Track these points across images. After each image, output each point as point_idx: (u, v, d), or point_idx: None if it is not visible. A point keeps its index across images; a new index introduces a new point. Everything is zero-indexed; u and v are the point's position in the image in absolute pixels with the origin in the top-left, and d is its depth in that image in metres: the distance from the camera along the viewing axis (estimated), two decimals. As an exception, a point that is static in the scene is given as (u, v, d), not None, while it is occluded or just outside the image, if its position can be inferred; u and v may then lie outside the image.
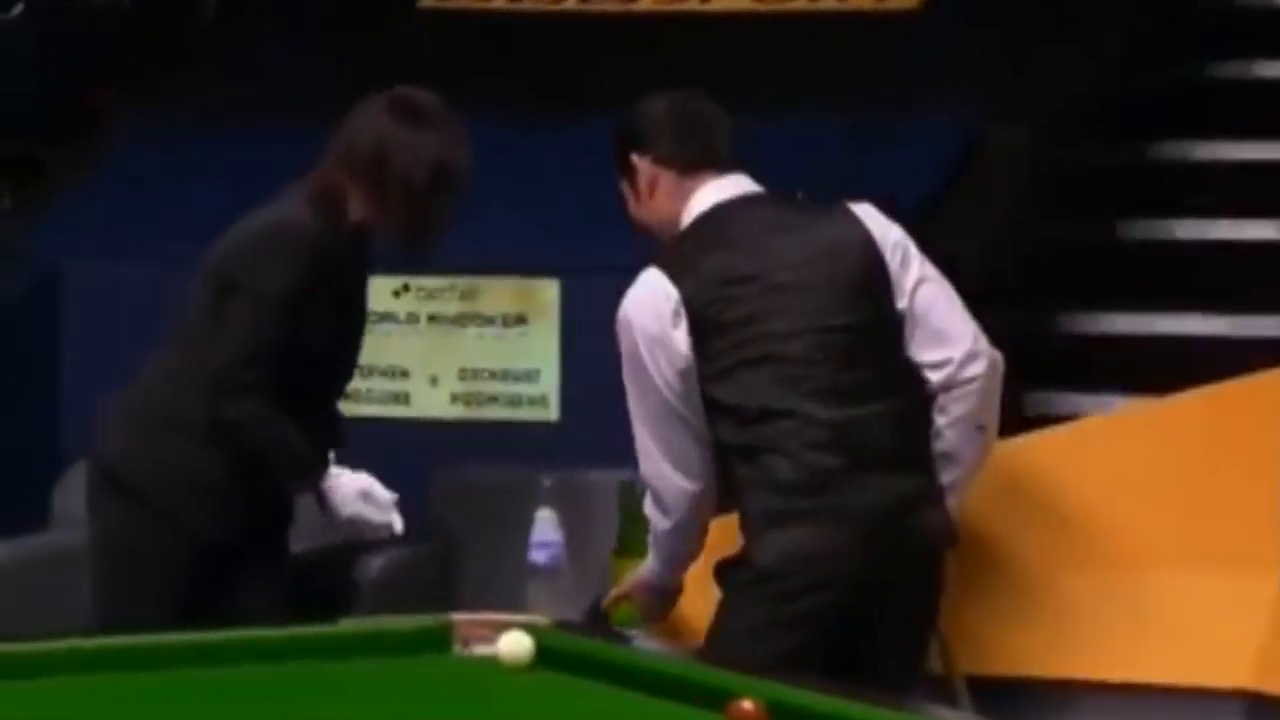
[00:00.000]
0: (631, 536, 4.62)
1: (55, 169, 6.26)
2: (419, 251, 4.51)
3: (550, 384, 6.21)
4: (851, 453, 4.10)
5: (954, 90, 6.10)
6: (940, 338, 4.18)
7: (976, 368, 4.19)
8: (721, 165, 4.32)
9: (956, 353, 4.17)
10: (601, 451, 5.36)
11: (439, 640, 3.62)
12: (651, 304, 4.21)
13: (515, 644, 3.51)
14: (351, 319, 4.52)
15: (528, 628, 3.57)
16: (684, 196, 4.29)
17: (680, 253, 4.26)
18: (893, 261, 4.21)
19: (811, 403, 4.11)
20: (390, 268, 5.74)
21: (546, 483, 4.68)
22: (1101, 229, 6.55)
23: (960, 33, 6.23)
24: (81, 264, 6.33)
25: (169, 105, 6.65)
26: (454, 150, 4.43)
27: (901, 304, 4.19)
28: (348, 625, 3.73)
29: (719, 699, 3.18)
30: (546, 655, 3.50)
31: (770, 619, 4.07)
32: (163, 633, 3.74)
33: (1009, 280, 6.21)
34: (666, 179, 4.31)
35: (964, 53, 6.18)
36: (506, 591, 4.81)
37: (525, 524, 4.62)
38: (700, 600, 4.30)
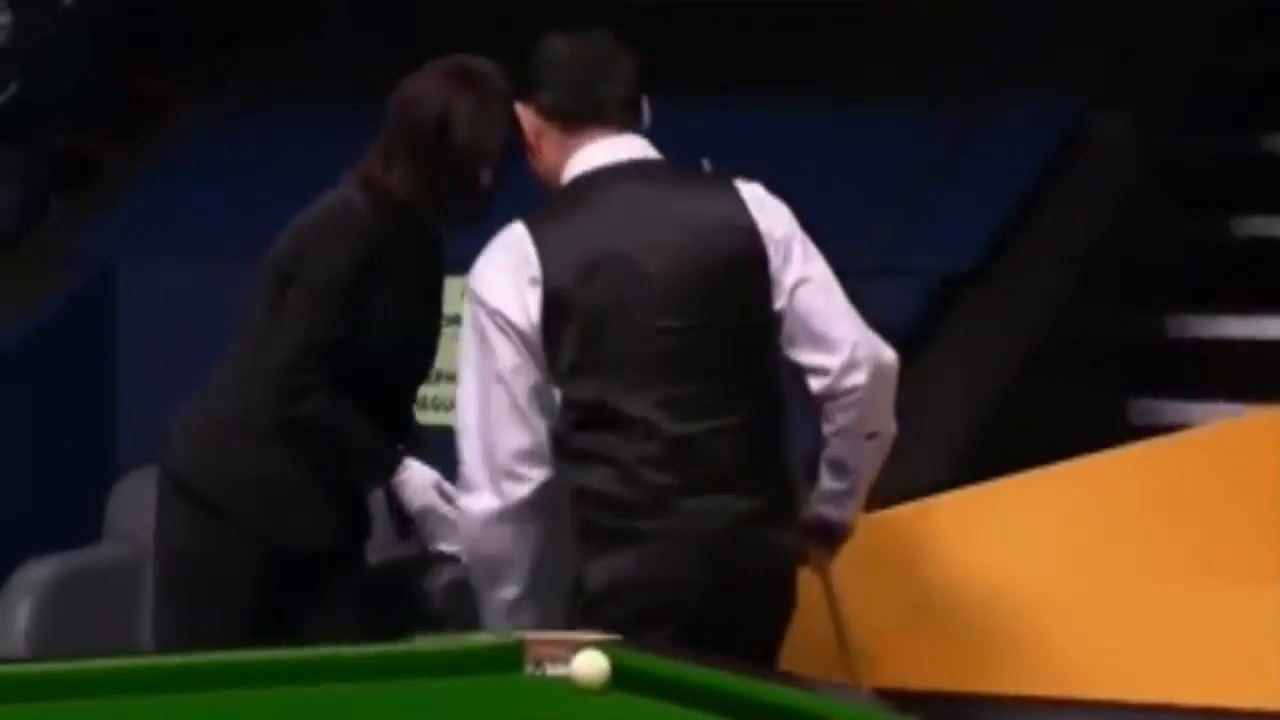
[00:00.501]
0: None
1: (109, 164, 6.24)
2: (469, 223, 4.36)
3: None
4: (689, 471, 3.94)
5: (1054, 79, 6.04)
6: (820, 343, 4.03)
7: (856, 378, 4.04)
8: (613, 123, 4.07)
9: (835, 362, 4.03)
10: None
11: (511, 659, 3.58)
12: (507, 265, 4.00)
13: (590, 664, 3.47)
14: (421, 313, 4.43)
15: (602, 647, 3.51)
16: (567, 154, 4.06)
17: (547, 217, 4.04)
18: (775, 257, 4.02)
19: (657, 413, 3.94)
20: (461, 268, 5.71)
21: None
22: (1212, 225, 6.46)
23: (1060, 20, 6.16)
24: (136, 264, 6.33)
25: (229, 97, 6.65)
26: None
27: (780, 304, 4.02)
28: (419, 643, 3.69)
29: (805, 722, 3.13)
30: (621, 676, 3.46)
31: None
32: (230, 650, 3.72)
33: (1112, 280, 6.13)
34: (551, 132, 4.07)
35: (1063, 40, 6.11)
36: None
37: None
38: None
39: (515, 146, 4.23)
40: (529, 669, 3.56)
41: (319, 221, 4.32)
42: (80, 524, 5.59)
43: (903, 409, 5.63)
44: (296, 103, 6.57)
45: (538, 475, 3.99)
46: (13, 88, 6.16)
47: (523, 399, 3.97)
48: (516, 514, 4.00)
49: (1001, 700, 4.32)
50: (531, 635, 3.62)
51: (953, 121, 5.69)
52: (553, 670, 3.53)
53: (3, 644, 5.19)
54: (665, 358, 3.97)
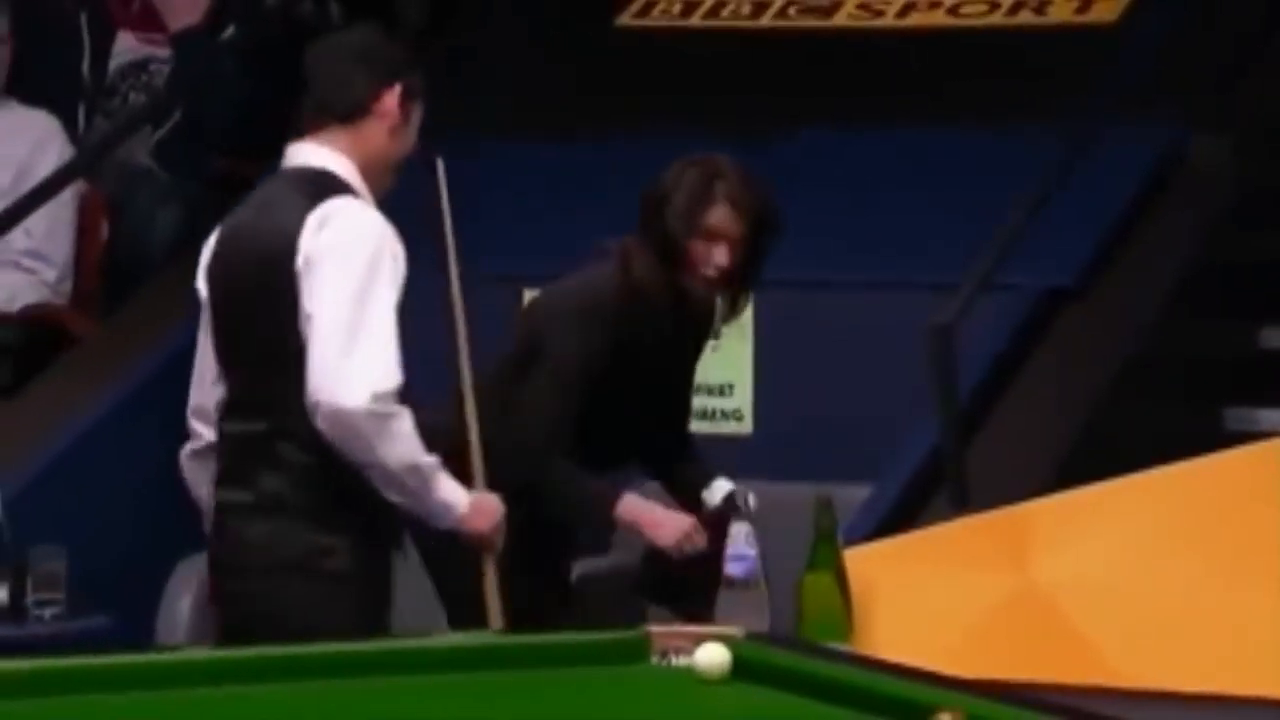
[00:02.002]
0: (822, 551, 4.58)
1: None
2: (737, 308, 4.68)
3: (744, 398, 6.16)
4: (220, 462, 4.17)
5: (1154, 103, 5.99)
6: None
7: (319, 420, 4.05)
8: (306, 128, 4.17)
9: (308, 399, 4.05)
10: (795, 465, 5.31)
11: (637, 651, 3.60)
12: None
13: (712, 655, 3.48)
14: (669, 372, 4.70)
15: (723, 639, 3.52)
16: None
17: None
18: (305, 280, 4.06)
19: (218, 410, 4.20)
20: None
21: (742, 496, 4.65)
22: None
23: (1160, 46, 6.12)
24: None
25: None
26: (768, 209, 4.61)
27: (301, 327, 4.06)
28: (548, 636, 3.72)
29: (918, 713, 3.13)
30: (742, 667, 3.47)
31: None
32: (369, 640, 3.75)
33: (1208, 295, 6.08)
34: None
35: (1164, 65, 6.07)
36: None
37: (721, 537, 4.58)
38: (890, 613, 4.25)
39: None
40: (654, 660, 3.58)
41: (570, 302, 4.58)
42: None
43: (1006, 416, 5.65)
44: (433, 123, 6.59)
45: None
46: (176, 116, 6.24)
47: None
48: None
49: (1094, 691, 4.30)
50: (657, 628, 3.64)
51: (1058, 145, 5.67)
52: (676, 661, 3.55)
53: (166, 634, 5.25)
54: (219, 358, 4.19)
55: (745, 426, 6.14)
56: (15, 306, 6.16)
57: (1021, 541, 4.69)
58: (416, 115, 4.26)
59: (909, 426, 5.45)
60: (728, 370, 6.22)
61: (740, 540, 4.59)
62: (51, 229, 6.15)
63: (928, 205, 6.03)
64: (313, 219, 4.06)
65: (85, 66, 6.52)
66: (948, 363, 5.22)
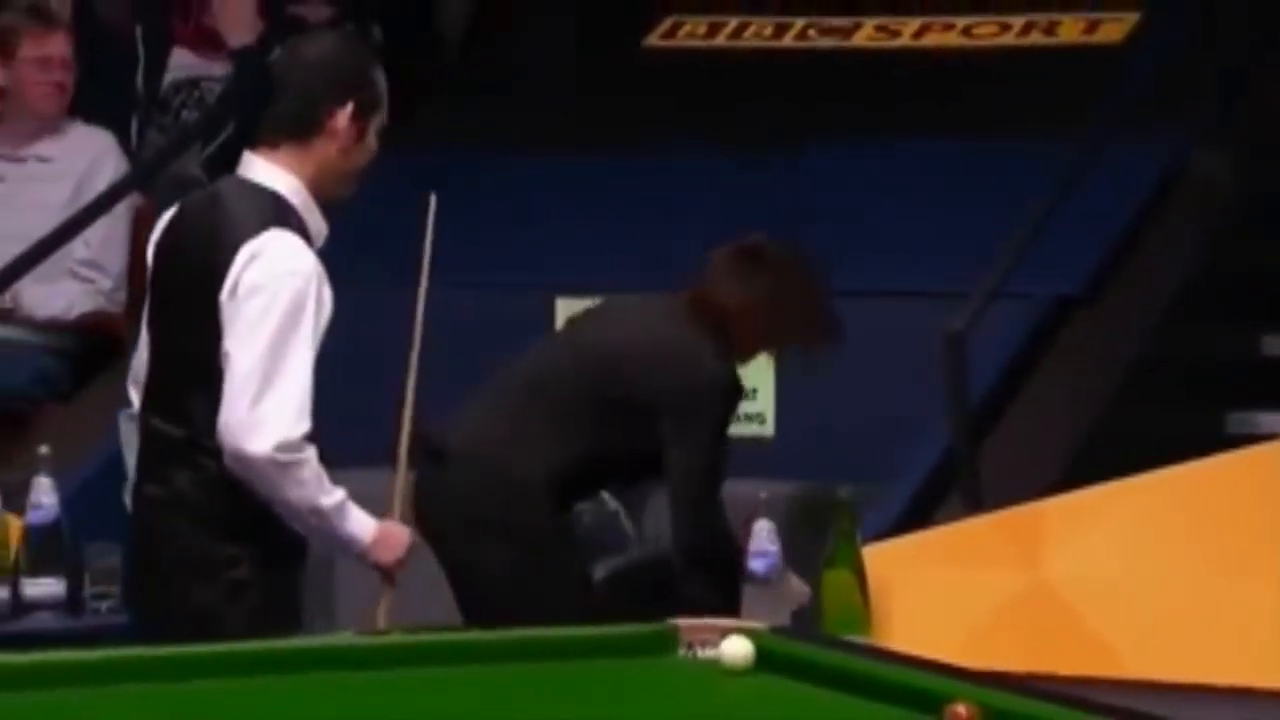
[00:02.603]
0: (842, 549, 4.61)
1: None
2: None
3: (766, 402, 6.19)
4: (141, 450, 4.17)
5: (1158, 119, 6.02)
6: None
7: (225, 459, 4.03)
8: (263, 139, 4.12)
9: (218, 437, 4.03)
10: (815, 466, 5.34)
11: (665, 643, 3.63)
12: None
13: (737, 647, 3.52)
14: None
15: (748, 632, 3.57)
16: None
17: None
18: (228, 310, 4.02)
19: None
20: (613, 289, 5.82)
21: (763, 495, 4.69)
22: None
23: (1163, 65, 6.14)
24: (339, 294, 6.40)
25: (413, 139, 6.73)
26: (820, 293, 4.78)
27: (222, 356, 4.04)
28: (580, 630, 3.76)
29: (933, 703, 3.15)
30: (765, 659, 3.50)
31: None
32: (406, 633, 3.76)
33: (1211, 302, 6.10)
34: None
35: (1167, 83, 6.09)
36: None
37: (744, 535, 4.64)
38: (911, 605, 4.28)
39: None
40: (681, 652, 3.61)
41: (707, 381, 4.71)
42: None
43: (1017, 419, 5.67)
44: (473, 138, 6.64)
45: None
46: (229, 129, 6.26)
47: None
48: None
49: (1100, 682, 4.33)
50: (684, 621, 3.67)
51: (1067, 159, 5.69)
52: (703, 653, 3.58)
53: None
54: (149, 339, 4.18)
55: (767, 429, 6.18)
56: (73, 314, 6.20)
57: (1032, 539, 4.71)
58: (375, 126, 4.16)
59: (923, 429, 5.48)
60: (751, 376, 6.26)
61: (762, 538, 4.64)
62: (107, 240, 6.19)
63: (941, 216, 6.06)
64: (245, 251, 4.01)
65: (139, 82, 6.57)
66: (960, 368, 5.24)
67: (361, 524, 4.15)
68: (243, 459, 4.01)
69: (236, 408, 3.98)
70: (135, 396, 4.26)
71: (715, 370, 4.73)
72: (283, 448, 3.99)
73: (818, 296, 4.82)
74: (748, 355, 4.84)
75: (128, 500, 4.26)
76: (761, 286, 4.78)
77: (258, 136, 4.13)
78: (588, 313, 5.12)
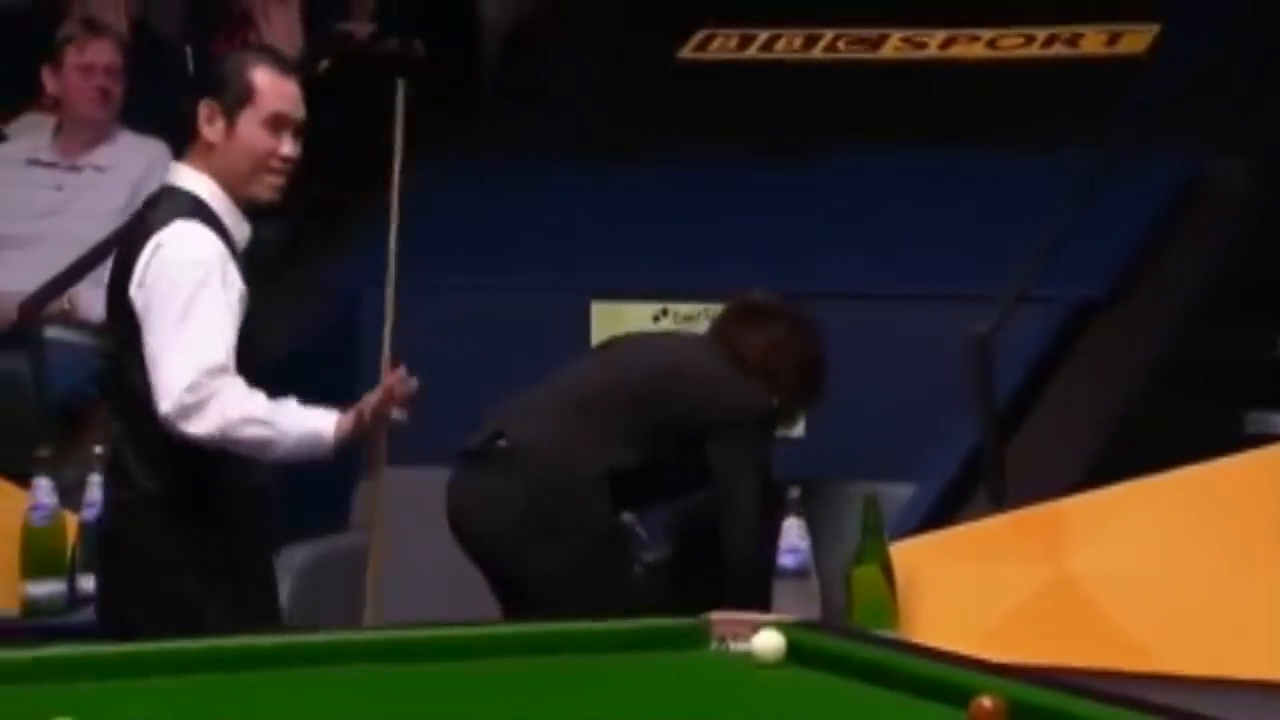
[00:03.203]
0: (870, 545, 4.61)
1: (354, 209, 6.34)
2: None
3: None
4: (107, 452, 4.20)
5: (1178, 129, 6.00)
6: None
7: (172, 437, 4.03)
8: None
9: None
10: (843, 464, 5.33)
11: (698, 637, 3.63)
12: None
13: (768, 641, 3.53)
14: None
15: (779, 626, 3.56)
16: None
17: None
18: (138, 298, 4.02)
19: None
20: (647, 294, 5.87)
21: (794, 493, 4.68)
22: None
23: (1183, 76, 6.13)
24: (378, 292, 6.42)
25: (454, 148, 6.74)
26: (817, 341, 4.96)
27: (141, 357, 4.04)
28: (616, 622, 3.76)
29: (959, 695, 3.14)
30: (796, 652, 3.51)
31: None
32: (437, 626, 3.76)
33: (1228, 306, 6.08)
34: None
35: (1187, 94, 6.08)
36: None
37: (775, 531, 4.64)
38: (933, 599, 4.27)
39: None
40: (713, 645, 3.61)
41: (752, 413, 4.89)
42: (331, 515, 5.69)
43: (1041, 419, 5.66)
44: (510, 151, 6.65)
45: None
46: None
47: None
48: None
49: (1121, 675, 4.32)
50: (717, 615, 3.68)
51: (1090, 167, 5.68)
52: (735, 646, 3.59)
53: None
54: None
55: (798, 429, 6.18)
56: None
57: (1055, 536, 4.71)
58: (250, 123, 4.12)
59: (950, 429, 5.48)
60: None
61: (792, 535, 4.63)
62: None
63: (969, 222, 6.05)
64: (152, 242, 4.03)
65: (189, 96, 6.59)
66: (987, 369, 5.24)
67: (313, 417, 4.05)
68: (170, 425, 3.97)
69: (159, 389, 3.97)
70: None
71: (757, 403, 4.91)
72: (192, 388, 3.95)
73: (818, 361, 4.99)
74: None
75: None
76: (769, 341, 4.97)
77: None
78: (635, 338, 5.26)
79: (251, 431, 3.99)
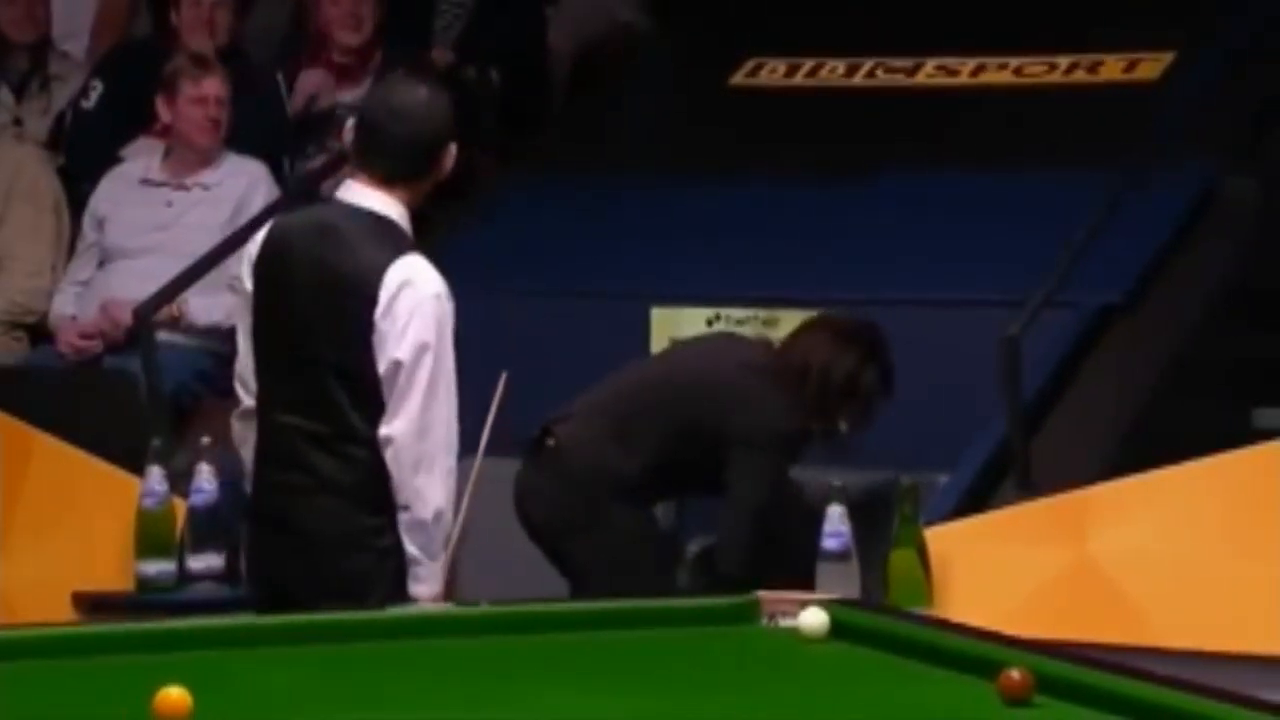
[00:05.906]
0: (907, 530, 4.59)
1: (441, 222, 6.34)
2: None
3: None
4: (277, 447, 4.20)
5: (1192, 148, 5.96)
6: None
7: (387, 452, 4.10)
8: (369, 173, 4.15)
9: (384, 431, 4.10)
10: (883, 457, 5.31)
11: (748, 614, 3.64)
12: None
13: (814, 618, 3.53)
14: None
15: (824, 604, 3.55)
16: None
17: None
18: (382, 325, 4.05)
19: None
20: (701, 300, 5.88)
21: (836, 483, 4.67)
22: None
23: (1196, 99, 6.09)
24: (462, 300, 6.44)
25: (529, 168, 6.75)
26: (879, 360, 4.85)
27: (381, 367, 4.06)
28: (672, 600, 3.75)
29: (989, 669, 3.13)
30: (839, 628, 3.50)
31: None
32: (513, 603, 3.77)
33: (1239, 309, 6.03)
34: None
35: (1200, 116, 6.04)
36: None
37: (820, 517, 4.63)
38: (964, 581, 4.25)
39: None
40: (763, 622, 3.62)
41: (780, 433, 4.77)
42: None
43: (1064, 415, 5.63)
44: (578, 170, 6.65)
45: None
46: None
47: None
48: None
49: (1139, 650, 4.29)
50: (765, 594, 3.68)
51: (1110, 184, 5.64)
52: (783, 623, 3.58)
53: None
54: (264, 351, 4.21)
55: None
56: (230, 322, 6.24)
57: (1077, 522, 4.69)
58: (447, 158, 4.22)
59: (981, 424, 5.45)
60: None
61: (835, 520, 4.62)
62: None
63: (997, 235, 6.03)
64: (394, 275, 4.04)
65: (284, 119, 6.62)
66: (1014, 369, 5.22)
67: (435, 582, 4.11)
68: (391, 448, 4.03)
69: (405, 417, 4.02)
70: (245, 397, 4.25)
71: (780, 423, 4.78)
72: (438, 445, 4.05)
73: (881, 390, 4.87)
74: (813, 418, 4.87)
75: (248, 488, 4.26)
76: (844, 365, 4.84)
77: (364, 168, 4.16)
78: (691, 342, 5.23)
79: (431, 521, 4.06)
